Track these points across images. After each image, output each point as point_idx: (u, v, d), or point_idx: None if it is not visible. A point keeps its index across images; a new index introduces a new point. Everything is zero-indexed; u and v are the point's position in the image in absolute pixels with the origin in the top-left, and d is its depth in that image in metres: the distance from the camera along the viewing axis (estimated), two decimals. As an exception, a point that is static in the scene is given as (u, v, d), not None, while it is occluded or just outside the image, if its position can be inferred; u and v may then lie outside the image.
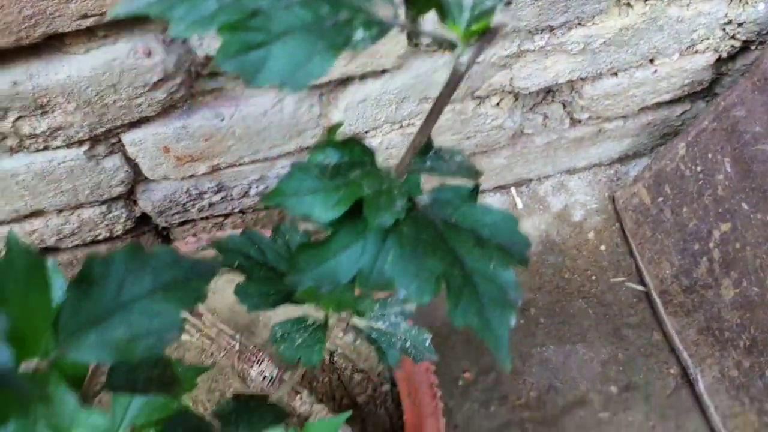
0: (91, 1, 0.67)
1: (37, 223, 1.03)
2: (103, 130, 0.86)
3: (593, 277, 1.36)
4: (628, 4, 0.94)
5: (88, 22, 0.69)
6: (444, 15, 0.31)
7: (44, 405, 0.30)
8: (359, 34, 0.27)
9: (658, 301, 1.30)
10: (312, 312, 0.57)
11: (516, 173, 1.33)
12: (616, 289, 1.36)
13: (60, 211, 1.02)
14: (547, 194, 1.39)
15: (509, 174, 1.33)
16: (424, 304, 0.33)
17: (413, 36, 0.88)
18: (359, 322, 0.57)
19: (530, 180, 1.37)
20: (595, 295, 1.36)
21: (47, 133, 0.83)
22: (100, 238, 1.11)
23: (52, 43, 0.73)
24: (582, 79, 1.06)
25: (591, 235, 1.38)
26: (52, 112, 0.80)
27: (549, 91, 1.11)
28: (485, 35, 0.30)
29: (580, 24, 0.92)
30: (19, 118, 0.79)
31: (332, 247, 0.36)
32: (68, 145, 0.88)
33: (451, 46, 0.31)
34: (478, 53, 0.31)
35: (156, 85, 0.81)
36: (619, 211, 1.36)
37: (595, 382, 1.31)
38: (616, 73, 1.08)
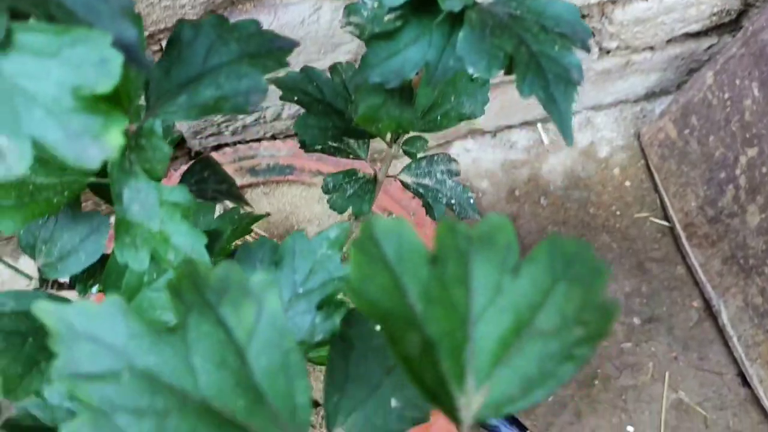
0: None
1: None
2: (146, 34, 0.88)
3: (618, 213, 1.38)
4: None
5: None
6: None
7: (138, 152, 0.33)
8: None
9: (682, 234, 1.31)
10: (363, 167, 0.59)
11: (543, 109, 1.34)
12: (641, 224, 1.37)
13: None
14: (573, 130, 1.40)
15: (536, 109, 1.34)
16: (490, 77, 0.35)
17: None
18: (407, 177, 0.59)
19: (556, 116, 1.38)
20: (619, 230, 1.37)
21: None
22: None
23: None
24: (613, 1, 1.07)
25: (616, 171, 1.39)
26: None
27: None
28: None
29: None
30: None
31: (400, 40, 0.38)
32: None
33: None
34: None
35: (199, -14, 0.83)
36: (645, 147, 1.37)
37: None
38: (646, -4, 1.09)
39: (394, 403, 0.35)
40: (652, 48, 1.23)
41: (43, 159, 0.37)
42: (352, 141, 0.57)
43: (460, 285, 0.22)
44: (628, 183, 1.39)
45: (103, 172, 0.40)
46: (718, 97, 1.17)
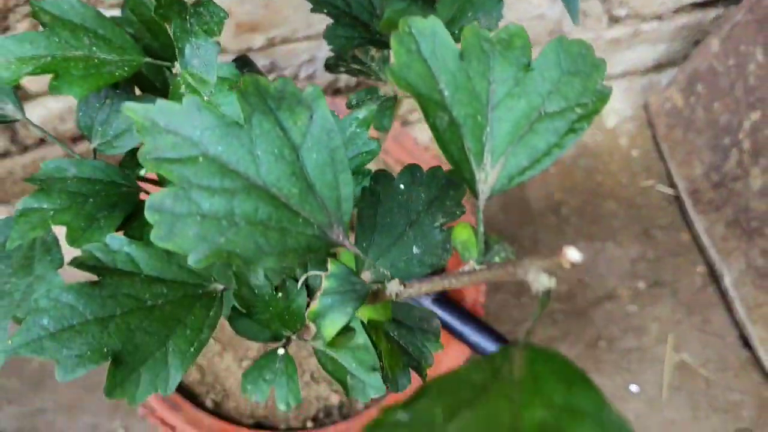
0: None
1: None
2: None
3: (624, 181, 1.42)
4: None
5: None
6: None
7: (198, 17, 0.37)
8: None
9: (687, 201, 1.35)
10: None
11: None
12: (647, 193, 1.41)
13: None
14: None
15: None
16: None
17: None
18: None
19: (566, 87, 1.42)
20: (625, 198, 1.41)
21: None
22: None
23: None
24: (622, -34, 1.11)
25: (624, 140, 1.43)
26: None
27: (589, -17, 1.16)
28: None
29: None
30: None
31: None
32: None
33: None
34: None
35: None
36: (652, 116, 1.41)
37: (623, 278, 1.36)
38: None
39: (415, 250, 0.39)
40: (659, 17, 1.27)
41: (107, 38, 0.42)
42: (373, 64, 0.62)
43: (482, 78, 0.26)
44: (635, 152, 1.43)
45: (155, 54, 0.45)
46: (723, 64, 1.20)
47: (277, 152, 0.28)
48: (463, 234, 0.29)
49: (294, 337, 0.47)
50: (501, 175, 0.26)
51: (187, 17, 0.37)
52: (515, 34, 0.27)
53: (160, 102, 0.28)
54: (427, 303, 0.91)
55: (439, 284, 0.29)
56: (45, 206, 0.41)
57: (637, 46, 1.34)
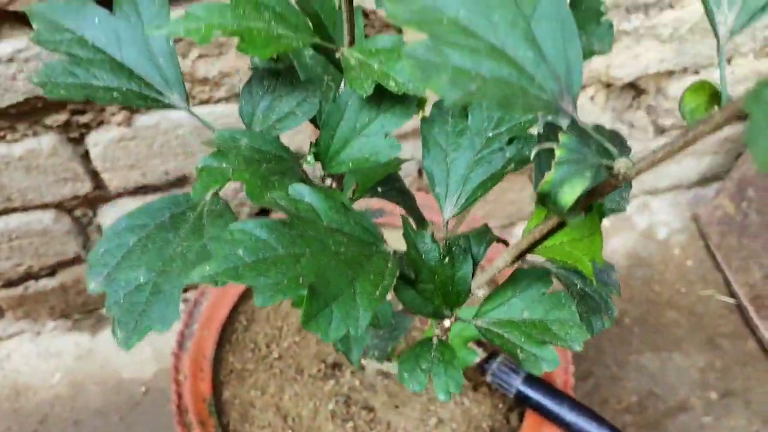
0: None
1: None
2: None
3: (682, 290, 1.41)
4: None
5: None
6: None
7: None
8: None
9: (749, 308, 1.33)
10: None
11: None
12: (706, 301, 1.40)
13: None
14: (631, 214, 1.47)
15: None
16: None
17: None
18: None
19: (614, 202, 1.46)
20: (685, 307, 1.39)
21: (215, 80, 0.97)
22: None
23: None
24: (668, 73, 1.19)
25: (677, 251, 1.44)
26: (227, 53, 0.94)
27: (636, 93, 1.24)
28: None
29: (670, 6, 1.07)
30: (199, 56, 0.93)
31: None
32: (227, 99, 1.01)
33: None
34: None
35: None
36: (703, 227, 1.43)
37: (694, 388, 1.31)
38: (697, 71, 1.21)
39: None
40: (703, 128, 1.33)
41: (284, 15, 0.46)
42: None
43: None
44: (689, 262, 1.43)
45: (323, 37, 0.48)
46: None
47: (511, 19, 0.30)
48: (692, 101, 0.30)
49: (453, 315, 0.46)
50: (740, 14, 0.28)
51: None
52: None
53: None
54: (518, 383, 0.88)
55: (679, 143, 0.30)
56: (224, 165, 0.42)
57: (683, 158, 1.40)
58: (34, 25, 0.48)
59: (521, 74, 0.30)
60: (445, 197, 0.46)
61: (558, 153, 0.30)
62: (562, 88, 0.30)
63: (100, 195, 1.12)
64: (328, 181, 0.49)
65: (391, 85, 0.43)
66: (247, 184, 0.41)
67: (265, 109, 0.48)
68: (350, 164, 0.47)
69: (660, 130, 1.32)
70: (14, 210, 1.10)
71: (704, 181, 1.48)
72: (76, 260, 1.24)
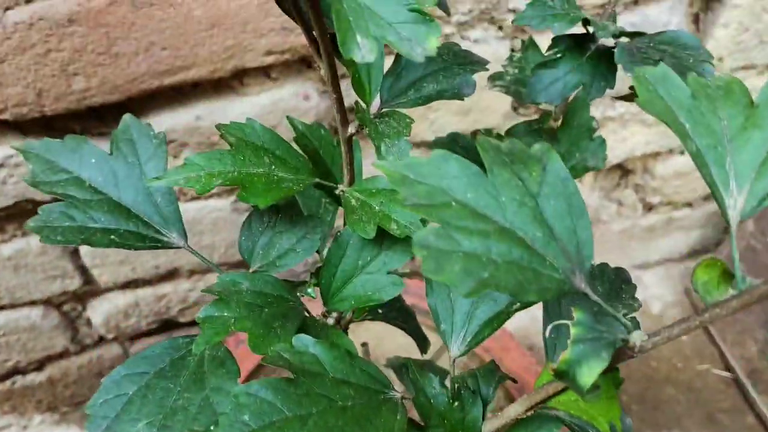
0: (277, 39, 0.84)
1: (168, 287, 1.13)
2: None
3: (679, 365, 1.40)
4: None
5: (270, 60, 0.86)
6: None
7: (386, 123, 0.41)
8: None
9: (747, 383, 1.32)
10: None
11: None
12: (704, 376, 1.38)
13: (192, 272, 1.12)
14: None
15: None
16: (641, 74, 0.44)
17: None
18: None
19: (606, 277, 1.46)
20: (683, 382, 1.38)
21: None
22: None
23: (230, 84, 0.89)
24: (655, 154, 1.20)
25: (671, 325, 1.44)
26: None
27: (623, 173, 1.25)
28: None
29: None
30: (194, 158, 0.93)
31: (560, 68, 0.48)
32: (219, 194, 1.01)
33: None
34: None
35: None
36: (695, 301, 1.43)
37: (698, 467, 1.29)
38: (683, 152, 1.22)
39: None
40: (690, 204, 1.35)
41: (284, 158, 0.46)
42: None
43: (713, 115, 0.29)
44: (684, 337, 1.43)
45: (322, 174, 0.48)
46: (761, 241, 1.25)
47: (519, 199, 0.30)
48: (705, 275, 0.30)
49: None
50: (748, 200, 0.28)
51: (376, 123, 0.41)
52: (732, 81, 0.30)
53: (409, 159, 0.31)
54: None
55: (691, 323, 0.30)
56: (225, 314, 0.41)
57: (673, 233, 1.40)
58: (29, 166, 0.48)
59: (532, 255, 0.30)
60: (451, 335, 0.45)
61: (573, 331, 0.30)
62: (573, 265, 0.30)
63: (89, 290, 1.11)
64: (331, 321, 0.48)
65: (393, 228, 0.42)
66: (250, 334, 0.41)
67: (264, 245, 0.48)
68: (352, 301, 0.46)
69: (648, 207, 1.33)
70: (2, 308, 1.08)
71: (694, 253, 1.48)
72: (64, 354, 1.21)
